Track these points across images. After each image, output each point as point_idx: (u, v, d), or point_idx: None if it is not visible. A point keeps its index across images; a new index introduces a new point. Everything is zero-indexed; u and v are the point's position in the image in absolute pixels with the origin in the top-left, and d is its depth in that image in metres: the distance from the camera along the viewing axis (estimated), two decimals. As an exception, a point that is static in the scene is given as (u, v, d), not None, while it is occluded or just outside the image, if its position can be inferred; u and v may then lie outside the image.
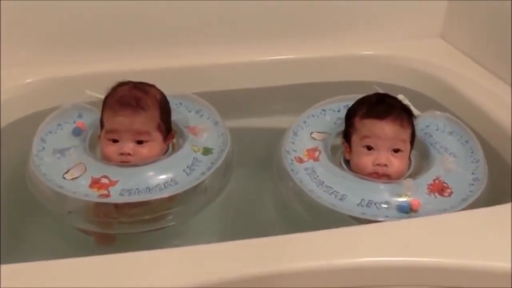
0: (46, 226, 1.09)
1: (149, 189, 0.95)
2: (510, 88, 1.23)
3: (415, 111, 1.11)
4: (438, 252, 0.76)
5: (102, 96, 1.09)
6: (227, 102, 1.36)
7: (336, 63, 1.49)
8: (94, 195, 0.92)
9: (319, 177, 0.99)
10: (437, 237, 0.80)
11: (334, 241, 0.79)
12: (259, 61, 1.47)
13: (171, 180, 0.97)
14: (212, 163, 1.05)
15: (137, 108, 1.00)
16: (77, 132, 1.08)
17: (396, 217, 0.89)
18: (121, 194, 0.93)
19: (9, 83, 1.29)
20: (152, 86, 1.07)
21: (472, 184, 0.96)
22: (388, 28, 1.55)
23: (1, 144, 1.20)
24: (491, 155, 1.12)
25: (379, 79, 1.45)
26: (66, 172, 0.96)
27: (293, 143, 1.09)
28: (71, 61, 1.37)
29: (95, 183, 0.95)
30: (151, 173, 0.98)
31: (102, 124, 1.03)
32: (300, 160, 1.04)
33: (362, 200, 0.93)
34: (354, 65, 1.49)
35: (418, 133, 1.10)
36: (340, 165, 1.06)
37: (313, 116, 1.17)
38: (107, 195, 0.92)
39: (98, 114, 1.09)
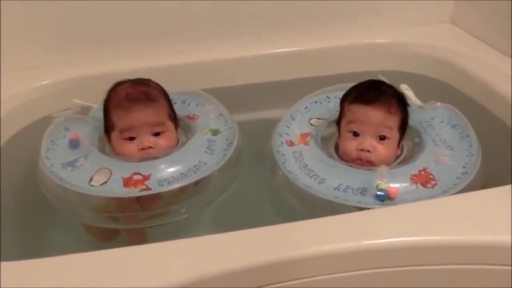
0: (62, 225, 1.12)
1: (184, 175, 0.98)
2: None
3: (415, 101, 1.11)
4: (441, 231, 0.78)
5: (91, 104, 1.14)
6: (234, 98, 1.38)
7: (346, 54, 1.49)
8: (135, 192, 0.94)
9: (304, 160, 1.01)
10: (441, 217, 0.81)
11: (340, 226, 0.81)
12: (266, 54, 1.47)
13: (199, 162, 1.01)
14: (227, 139, 1.08)
15: (148, 101, 1.01)
16: (74, 144, 1.06)
17: (370, 204, 0.90)
18: (160, 184, 0.95)
19: (29, 85, 1.34)
20: (149, 79, 1.09)
21: (459, 178, 0.95)
22: (397, 15, 1.55)
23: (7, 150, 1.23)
24: (506, 134, 1.15)
25: (391, 68, 1.46)
26: (91, 180, 0.97)
27: (287, 127, 1.11)
28: (79, 62, 1.40)
29: (128, 181, 0.96)
30: (178, 160, 1.00)
31: (111, 126, 1.03)
32: (291, 144, 1.06)
33: (340, 184, 0.94)
34: (364, 54, 1.49)
35: (421, 124, 1.10)
36: (329, 151, 1.07)
37: (316, 102, 1.18)
38: (148, 189, 0.94)
39: (87, 121, 1.11)
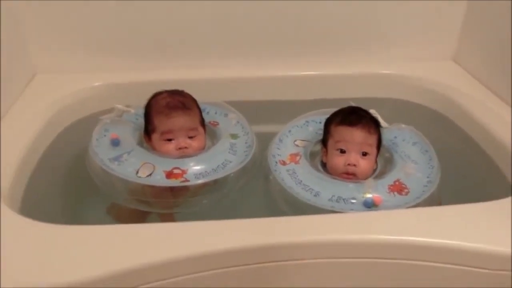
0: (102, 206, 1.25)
1: (214, 170, 1.12)
2: (510, 109, 1.36)
3: (383, 123, 1.24)
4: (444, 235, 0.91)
5: (130, 109, 1.27)
6: (255, 111, 1.48)
7: (356, 80, 1.61)
8: (177, 182, 1.08)
9: (298, 177, 1.12)
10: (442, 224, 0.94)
11: (344, 222, 0.95)
12: (285, 76, 1.59)
13: (225, 160, 1.16)
14: (246, 142, 1.23)
15: (185, 110, 1.16)
16: (115, 142, 1.17)
17: (360, 211, 1.02)
18: (197, 178, 1.09)
19: (81, 85, 1.49)
20: (183, 91, 1.22)
21: (426, 186, 1.09)
22: (404, 50, 1.66)
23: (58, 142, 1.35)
24: (487, 162, 1.28)
25: (394, 96, 1.61)
26: (137, 172, 1.10)
27: (278, 148, 1.22)
28: (129, 69, 1.54)
29: (170, 174, 1.09)
30: (209, 159, 1.15)
31: (152, 129, 1.17)
32: (283, 163, 1.17)
33: (332, 196, 1.05)
34: (372, 82, 1.61)
35: (387, 142, 1.23)
36: (318, 168, 1.19)
37: (297, 126, 1.30)
38: (187, 180, 1.09)
39: (125, 123, 1.24)
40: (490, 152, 1.31)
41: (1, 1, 1.30)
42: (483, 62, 1.55)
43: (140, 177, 1.09)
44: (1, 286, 0.80)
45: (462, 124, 1.44)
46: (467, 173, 1.35)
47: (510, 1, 1.35)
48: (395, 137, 1.25)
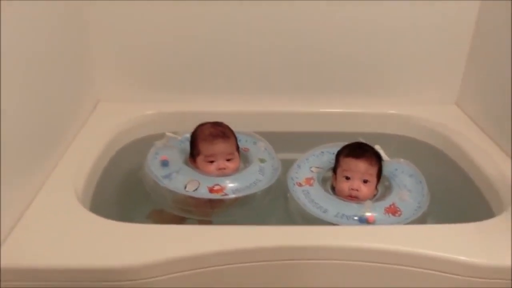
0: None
1: (247, 187, 1.29)
2: (509, 159, 1.45)
3: (385, 157, 1.41)
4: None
5: (177, 136, 1.45)
6: (280, 141, 1.59)
7: (369, 118, 1.79)
8: (218, 196, 1.25)
9: (311, 196, 1.29)
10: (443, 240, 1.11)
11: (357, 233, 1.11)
12: (308, 112, 1.78)
13: (256, 179, 1.32)
14: (272, 166, 1.39)
15: (225, 138, 1.34)
16: (165, 163, 1.34)
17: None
18: (234, 193, 1.26)
19: (136, 113, 1.69)
20: (222, 122, 1.40)
21: (416, 210, 1.25)
22: (410, 94, 1.81)
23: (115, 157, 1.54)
24: (476, 194, 1.42)
25: (400, 133, 1.78)
26: (185, 187, 1.27)
27: (296, 172, 1.40)
28: (176, 101, 1.74)
29: (212, 190, 1.26)
30: (243, 178, 1.32)
31: (197, 153, 1.34)
32: (300, 185, 1.35)
33: (337, 213, 1.23)
34: (382, 120, 1.79)
35: (388, 173, 1.39)
36: (328, 190, 1.35)
37: (313, 155, 1.48)
38: (227, 194, 1.26)
39: (173, 148, 1.41)
40: (479, 184, 1.45)
41: (73, 41, 1.51)
42: (482, 108, 1.67)
43: (188, 191, 1.28)
44: (70, 263, 1.01)
45: (457, 159, 1.59)
46: (459, 202, 1.51)
47: (511, 50, 1.44)
48: (396, 169, 1.42)
